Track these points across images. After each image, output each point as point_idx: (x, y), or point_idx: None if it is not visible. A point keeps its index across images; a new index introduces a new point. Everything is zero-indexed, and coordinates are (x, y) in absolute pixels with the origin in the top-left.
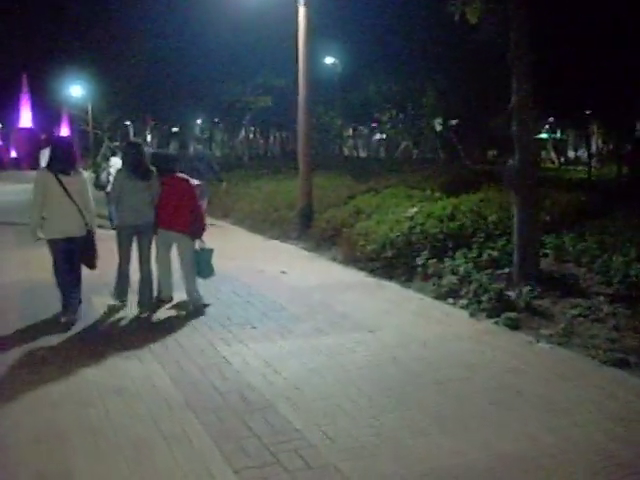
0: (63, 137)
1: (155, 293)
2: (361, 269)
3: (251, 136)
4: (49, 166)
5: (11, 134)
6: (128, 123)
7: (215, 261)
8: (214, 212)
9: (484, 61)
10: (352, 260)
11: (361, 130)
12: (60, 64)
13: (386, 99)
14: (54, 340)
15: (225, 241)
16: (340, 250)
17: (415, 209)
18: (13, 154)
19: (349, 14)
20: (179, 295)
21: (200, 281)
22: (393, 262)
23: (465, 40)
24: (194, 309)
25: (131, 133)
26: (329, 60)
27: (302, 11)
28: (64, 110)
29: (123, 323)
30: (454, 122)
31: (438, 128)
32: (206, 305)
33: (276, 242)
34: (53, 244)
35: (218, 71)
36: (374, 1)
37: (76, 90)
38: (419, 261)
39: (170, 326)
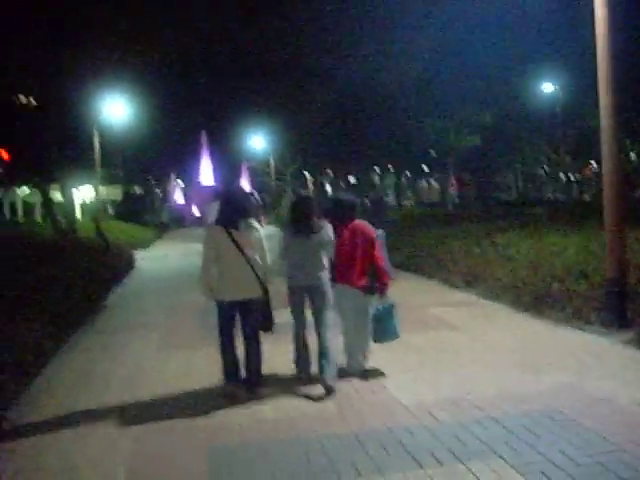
0: (231, 188)
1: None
2: None
3: (433, 182)
4: (218, 220)
5: (193, 192)
6: (307, 173)
7: (498, 371)
8: (452, 279)
9: None
10: None
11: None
12: (240, 118)
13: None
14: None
15: (493, 329)
16: None
17: None
18: (196, 212)
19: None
20: None
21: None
22: None
23: None
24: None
25: (310, 183)
26: (547, 87)
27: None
28: (243, 163)
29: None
30: None
31: None
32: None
33: (570, 331)
34: (220, 305)
35: (412, 110)
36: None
37: (257, 141)
38: None
39: None
